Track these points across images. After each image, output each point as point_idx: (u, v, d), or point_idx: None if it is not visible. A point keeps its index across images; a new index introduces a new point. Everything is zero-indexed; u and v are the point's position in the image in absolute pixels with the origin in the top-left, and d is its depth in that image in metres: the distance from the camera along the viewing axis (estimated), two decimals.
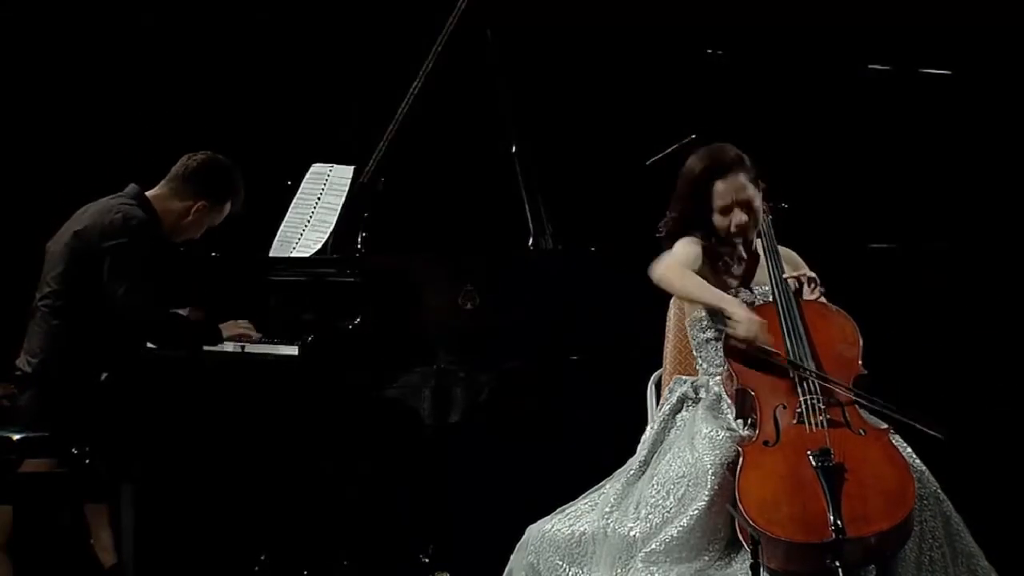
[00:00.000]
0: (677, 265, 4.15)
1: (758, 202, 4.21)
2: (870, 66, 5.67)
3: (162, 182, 4.99)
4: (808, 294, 4.20)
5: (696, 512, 3.87)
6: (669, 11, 5.88)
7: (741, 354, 4.06)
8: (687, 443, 4.01)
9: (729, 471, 3.88)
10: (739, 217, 4.18)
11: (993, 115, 5.69)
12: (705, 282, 4.14)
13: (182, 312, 5.04)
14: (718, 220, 4.20)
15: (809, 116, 5.67)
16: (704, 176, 4.19)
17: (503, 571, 4.22)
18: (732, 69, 5.68)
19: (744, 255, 4.28)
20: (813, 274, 4.23)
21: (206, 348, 5.00)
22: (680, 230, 4.26)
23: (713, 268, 4.23)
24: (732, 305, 4.06)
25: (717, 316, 4.14)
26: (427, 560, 5.16)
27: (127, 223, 4.78)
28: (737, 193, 4.18)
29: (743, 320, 4.01)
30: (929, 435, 3.85)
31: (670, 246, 4.26)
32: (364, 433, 5.23)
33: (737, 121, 4.58)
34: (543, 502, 4.24)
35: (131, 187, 4.94)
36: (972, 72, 5.67)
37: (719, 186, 4.18)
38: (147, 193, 4.94)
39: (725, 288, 4.21)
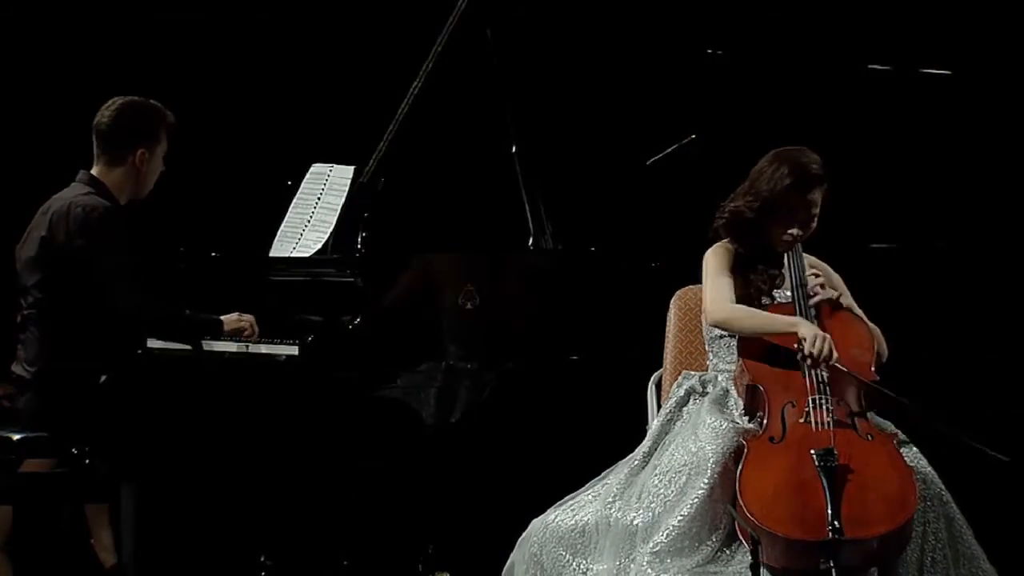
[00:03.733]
0: (728, 304, 4.13)
1: (816, 220, 4.22)
2: (870, 66, 5.67)
3: (95, 157, 4.85)
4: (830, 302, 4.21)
5: (696, 501, 3.88)
6: (669, 11, 5.89)
7: (754, 351, 4.07)
8: (691, 433, 4.03)
9: (732, 462, 3.88)
10: (799, 230, 4.20)
11: (993, 115, 5.69)
12: (761, 311, 4.15)
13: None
14: (779, 226, 4.19)
15: (809, 116, 5.66)
16: (795, 182, 4.16)
17: (503, 570, 4.22)
18: (732, 69, 5.68)
19: (773, 260, 4.28)
20: (830, 292, 4.23)
21: (206, 348, 4.99)
22: (742, 228, 4.23)
23: (744, 274, 4.23)
24: (800, 326, 4.04)
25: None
26: (427, 560, 5.16)
27: (88, 218, 4.67)
28: (811, 208, 4.19)
29: (809, 337, 4.00)
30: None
31: (717, 238, 4.27)
32: (364, 433, 5.22)
33: (737, 121, 4.59)
34: (543, 502, 4.24)
35: (80, 174, 4.84)
36: (972, 72, 5.66)
37: (808, 197, 4.17)
38: (92, 172, 4.83)
39: (753, 293, 4.21)
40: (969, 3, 5.74)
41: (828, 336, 4.00)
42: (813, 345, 3.98)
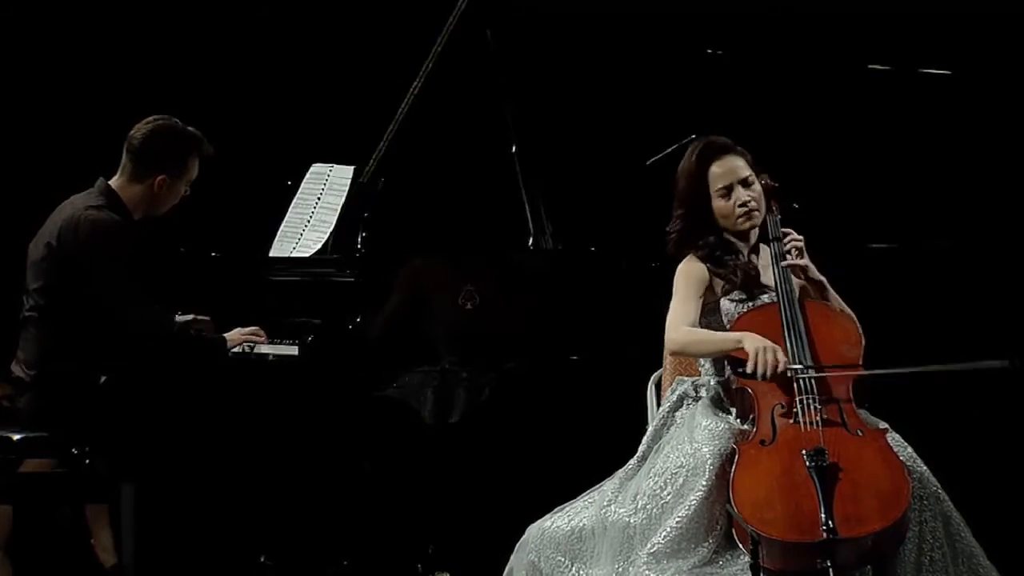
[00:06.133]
0: (683, 329, 4.12)
1: (758, 185, 4.23)
2: (870, 66, 5.67)
3: (120, 166, 4.84)
4: (800, 272, 4.21)
5: (694, 502, 3.88)
6: (669, 11, 5.89)
7: (738, 362, 4.06)
8: (686, 436, 4.02)
9: (728, 463, 3.88)
10: (742, 195, 4.19)
11: (993, 115, 5.69)
12: (711, 331, 4.14)
13: (189, 317, 4.98)
14: (720, 206, 4.20)
15: (809, 116, 5.67)
16: (699, 163, 4.21)
17: (503, 571, 4.22)
18: (732, 69, 5.68)
19: (748, 260, 4.28)
20: (799, 238, 4.25)
21: None
22: (686, 237, 4.25)
23: (718, 276, 4.23)
24: (745, 341, 4.01)
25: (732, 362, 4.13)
26: (427, 560, 5.16)
27: (95, 233, 4.66)
28: (733, 173, 4.20)
29: (751, 352, 3.97)
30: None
31: (677, 257, 4.27)
32: (364, 433, 5.22)
33: (737, 121, 4.58)
34: (543, 502, 4.24)
35: (99, 182, 4.82)
36: (972, 72, 5.67)
37: (715, 169, 4.21)
38: (111, 183, 4.82)
39: (727, 288, 4.21)
40: (969, 3, 5.73)
41: (774, 347, 3.97)
42: (756, 361, 3.96)
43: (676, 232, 4.27)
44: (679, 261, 4.27)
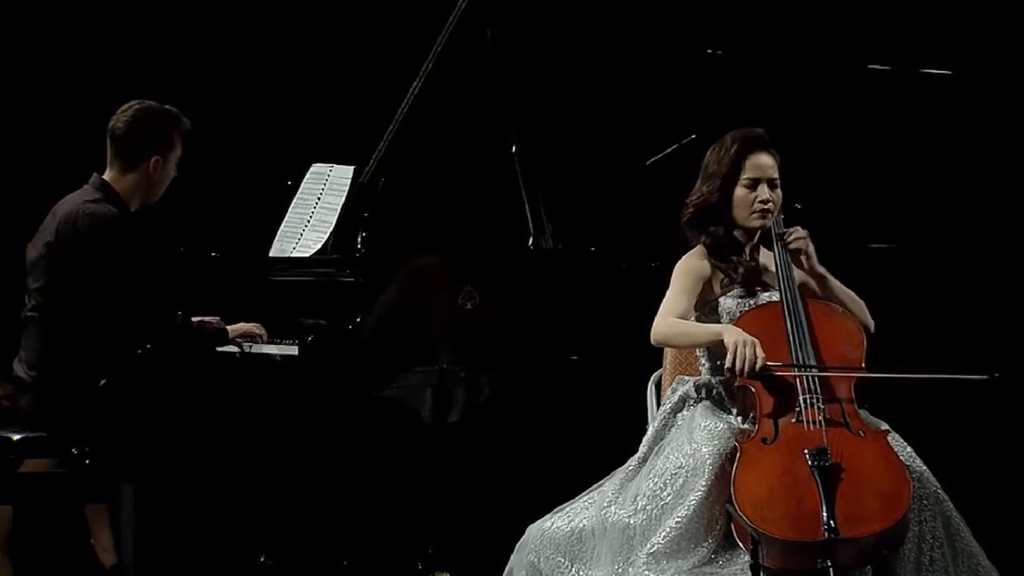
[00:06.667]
0: (668, 320, 4.14)
1: (780, 192, 4.25)
2: (870, 66, 5.67)
3: (109, 161, 4.84)
4: (805, 261, 4.21)
5: (694, 502, 3.88)
6: (669, 11, 5.89)
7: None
8: (686, 437, 4.02)
9: (728, 463, 3.88)
10: (764, 193, 4.21)
11: (993, 115, 5.70)
12: (695, 323, 4.17)
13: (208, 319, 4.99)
14: (741, 195, 4.22)
15: (809, 116, 5.67)
16: (740, 149, 4.23)
17: (503, 571, 4.22)
18: (732, 69, 5.69)
19: (752, 258, 4.28)
20: (804, 233, 4.25)
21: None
22: (704, 213, 4.26)
23: (719, 270, 4.23)
24: (724, 334, 4.02)
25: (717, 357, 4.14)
26: (427, 560, 5.16)
27: (94, 229, 4.67)
28: (765, 171, 4.23)
29: (730, 346, 3.97)
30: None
31: (689, 236, 4.29)
32: (364, 433, 5.22)
33: (738, 121, 4.59)
34: (543, 502, 4.24)
35: (93, 177, 4.83)
36: (972, 72, 5.67)
37: (751, 160, 4.23)
38: (105, 177, 4.82)
39: (726, 284, 4.22)
40: (969, 3, 5.74)
41: (752, 341, 3.96)
42: (735, 354, 3.96)
43: (700, 208, 4.26)
44: (685, 243, 4.28)
